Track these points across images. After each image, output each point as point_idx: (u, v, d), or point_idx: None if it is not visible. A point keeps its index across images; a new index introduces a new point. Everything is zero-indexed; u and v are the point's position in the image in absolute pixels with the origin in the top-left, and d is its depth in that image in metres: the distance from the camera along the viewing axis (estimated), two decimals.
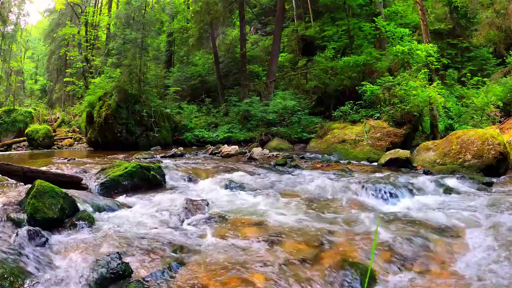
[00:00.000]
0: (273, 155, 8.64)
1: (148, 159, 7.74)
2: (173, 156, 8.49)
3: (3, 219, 2.76)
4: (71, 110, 21.00)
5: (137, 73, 12.72)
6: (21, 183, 3.74)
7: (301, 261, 2.36)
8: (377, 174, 5.65)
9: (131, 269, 2.13)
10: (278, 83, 15.34)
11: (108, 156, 8.51)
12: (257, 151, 8.84)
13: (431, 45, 9.78)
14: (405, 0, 17.02)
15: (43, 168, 4.31)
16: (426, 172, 5.81)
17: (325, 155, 8.35)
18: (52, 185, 3.05)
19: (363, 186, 4.40)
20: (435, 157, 6.26)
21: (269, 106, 12.20)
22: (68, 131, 18.15)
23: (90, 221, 2.92)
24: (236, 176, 5.22)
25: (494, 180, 5.20)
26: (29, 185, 3.21)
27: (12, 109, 18.18)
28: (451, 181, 4.94)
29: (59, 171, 4.93)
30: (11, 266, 2.09)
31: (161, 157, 8.43)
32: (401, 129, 8.87)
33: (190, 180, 5.14)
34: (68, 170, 5.38)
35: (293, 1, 18.58)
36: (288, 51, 18.23)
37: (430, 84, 9.11)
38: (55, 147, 14.85)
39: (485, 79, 11.27)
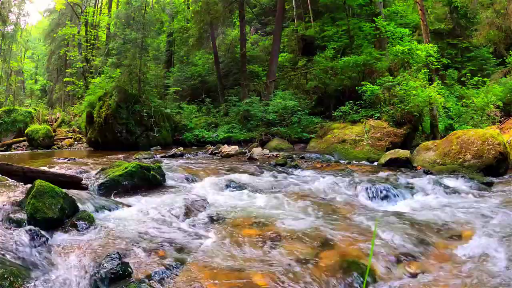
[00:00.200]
0: (273, 155, 8.64)
1: (148, 159, 7.74)
2: (173, 156, 8.49)
3: (3, 219, 2.76)
4: (71, 110, 21.01)
5: (137, 73, 12.72)
6: (21, 183, 3.74)
7: (301, 260, 2.36)
8: (377, 174, 5.65)
9: (131, 269, 2.13)
10: (278, 83, 15.33)
11: (108, 156, 8.50)
12: (257, 151, 8.84)
13: (431, 45, 9.78)
14: (405, 0, 17.02)
15: (43, 168, 4.31)
16: (426, 172, 5.80)
17: (325, 155, 8.34)
18: (52, 185, 3.04)
19: (363, 186, 4.41)
20: (435, 157, 6.26)
21: (269, 106, 12.20)
22: (68, 131, 18.16)
23: (90, 221, 2.91)
24: (236, 176, 5.21)
25: (494, 180, 5.20)
26: (29, 185, 3.21)
27: (12, 109, 18.19)
28: (451, 181, 4.95)
29: (59, 171, 4.93)
30: (11, 266, 2.09)
31: (161, 157, 8.43)
32: (401, 129, 8.87)
33: (190, 180, 5.14)
34: (68, 170, 5.38)
35: (293, 1, 18.57)
36: (288, 51, 18.23)
37: (430, 84, 9.10)
38: (55, 147, 14.85)
39: (485, 79, 11.27)
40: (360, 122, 9.43)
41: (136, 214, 3.31)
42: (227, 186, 4.66)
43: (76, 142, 15.79)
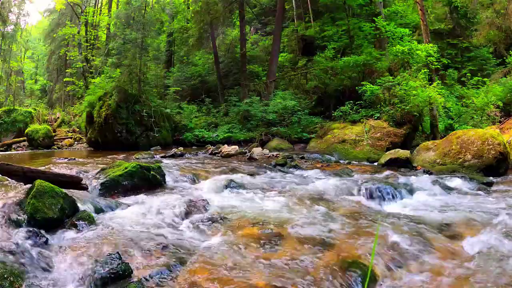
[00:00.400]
0: (273, 155, 8.63)
1: (148, 159, 7.74)
2: (173, 156, 8.49)
3: (3, 219, 2.75)
4: (71, 110, 21.00)
5: (137, 73, 12.72)
6: (21, 183, 3.74)
7: (302, 260, 2.36)
8: (377, 174, 5.66)
9: (131, 269, 2.13)
10: (278, 83, 15.33)
11: (108, 156, 8.50)
12: (257, 151, 8.84)
13: (431, 45, 9.78)
14: (405, 0, 17.02)
15: (43, 168, 4.31)
16: (426, 172, 5.81)
17: (325, 155, 8.34)
18: (52, 185, 3.04)
19: (363, 186, 4.40)
20: (435, 157, 6.26)
21: (269, 106, 12.20)
22: (68, 131, 18.16)
23: (90, 221, 2.91)
24: (236, 176, 5.21)
25: (494, 180, 5.20)
26: (29, 185, 3.21)
27: (12, 109, 18.19)
28: (451, 181, 4.95)
29: (59, 171, 4.93)
30: (11, 266, 2.09)
31: (161, 157, 8.43)
32: (401, 129, 8.87)
33: (190, 180, 5.14)
34: (68, 170, 5.38)
35: (293, 1, 18.57)
36: (288, 51, 18.23)
37: (430, 84, 9.11)
38: (55, 147, 14.86)
39: (485, 79, 11.27)
40: (360, 122, 9.43)
41: (136, 214, 3.31)
42: (227, 186, 4.66)
43: (76, 142, 15.79)
